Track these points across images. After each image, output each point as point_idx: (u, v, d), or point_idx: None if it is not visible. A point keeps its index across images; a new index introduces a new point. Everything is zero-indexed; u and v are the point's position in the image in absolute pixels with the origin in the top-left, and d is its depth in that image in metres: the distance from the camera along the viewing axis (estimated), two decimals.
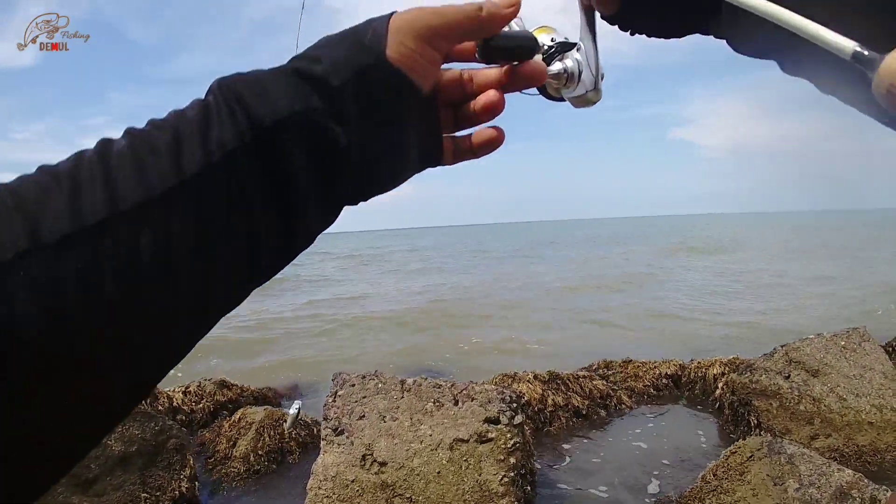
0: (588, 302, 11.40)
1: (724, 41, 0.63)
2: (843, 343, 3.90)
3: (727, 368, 4.37)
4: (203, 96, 0.48)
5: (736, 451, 2.92)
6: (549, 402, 4.04)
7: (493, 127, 0.61)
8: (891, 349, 5.11)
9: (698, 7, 0.63)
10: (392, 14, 0.53)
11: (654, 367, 4.72)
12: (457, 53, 0.59)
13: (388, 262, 28.59)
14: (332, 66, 0.49)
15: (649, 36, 0.70)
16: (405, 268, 23.95)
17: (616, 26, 0.69)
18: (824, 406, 3.70)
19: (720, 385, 4.21)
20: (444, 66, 0.58)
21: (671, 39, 0.69)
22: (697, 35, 0.67)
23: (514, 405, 2.98)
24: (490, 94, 0.59)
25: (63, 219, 0.38)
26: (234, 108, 0.46)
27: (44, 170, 0.42)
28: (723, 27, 0.61)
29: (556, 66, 0.64)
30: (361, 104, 0.50)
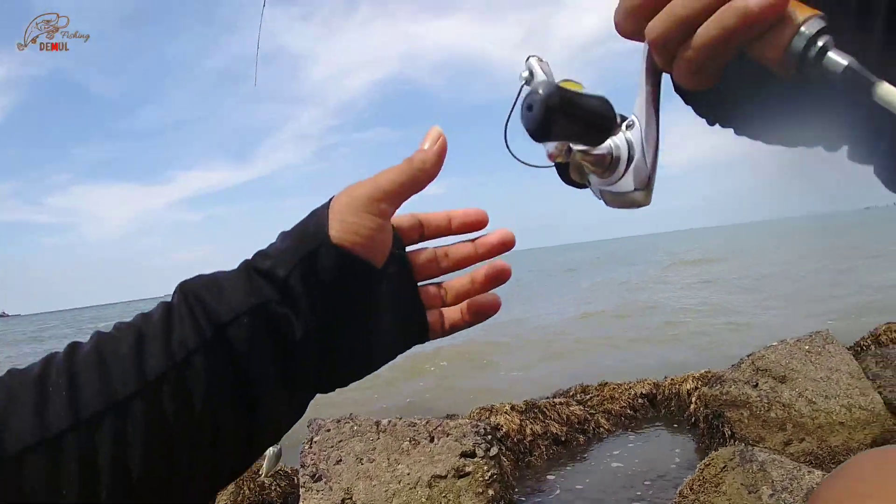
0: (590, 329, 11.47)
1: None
2: (807, 347, 4.00)
3: (699, 383, 4.43)
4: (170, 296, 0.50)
5: (710, 464, 2.97)
6: (528, 431, 4.06)
7: (491, 294, 0.60)
8: (858, 348, 5.24)
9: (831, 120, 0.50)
10: (331, 199, 0.54)
11: (630, 388, 4.77)
12: (430, 232, 0.60)
13: None
14: (279, 258, 0.51)
15: (745, 136, 0.56)
16: None
17: (694, 110, 0.57)
18: (794, 411, 3.78)
19: (693, 399, 4.27)
20: (419, 245, 0.60)
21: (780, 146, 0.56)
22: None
23: (490, 437, 3.01)
24: (497, 265, 0.59)
25: (25, 431, 0.38)
26: (195, 308, 0.47)
27: (13, 374, 0.43)
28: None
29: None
30: (312, 291, 0.51)
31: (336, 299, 0.52)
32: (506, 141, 0.58)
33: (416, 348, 0.61)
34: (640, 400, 4.66)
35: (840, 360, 4.03)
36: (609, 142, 0.49)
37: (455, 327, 0.60)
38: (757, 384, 3.88)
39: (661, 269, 25.21)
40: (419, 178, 0.54)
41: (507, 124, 0.57)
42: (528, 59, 0.52)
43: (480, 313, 0.60)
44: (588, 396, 4.75)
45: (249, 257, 0.53)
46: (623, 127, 0.49)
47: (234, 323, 0.47)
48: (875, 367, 4.57)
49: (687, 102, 0.56)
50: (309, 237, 0.52)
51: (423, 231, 0.60)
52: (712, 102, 0.54)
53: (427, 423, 3.07)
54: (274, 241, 0.54)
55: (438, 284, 0.61)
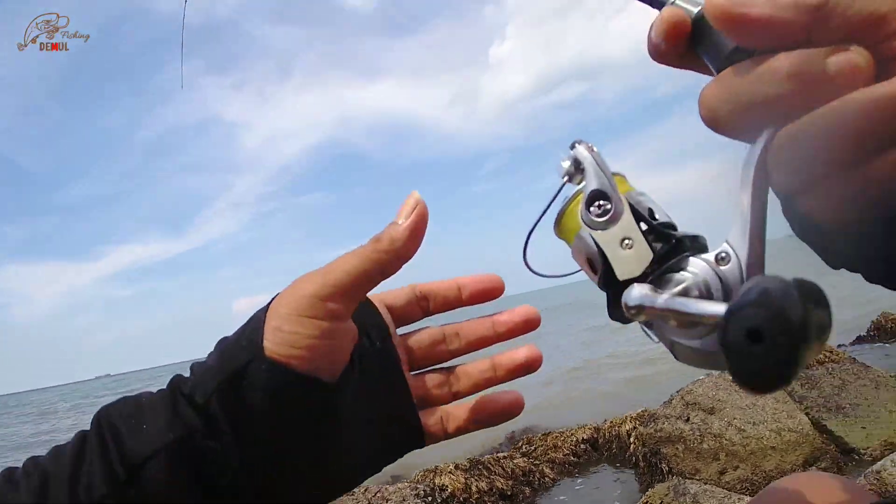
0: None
1: None
2: (731, 377, 4.17)
3: (637, 422, 4.54)
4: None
5: (647, 501, 3.05)
6: (474, 489, 4.05)
7: (512, 392, 0.50)
8: None
9: None
10: (274, 298, 0.46)
11: (572, 434, 4.83)
12: (436, 306, 0.52)
13: None
14: (200, 379, 0.44)
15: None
16: None
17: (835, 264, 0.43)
18: (726, 440, 3.91)
19: (632, 439, 4.36)
20: (422, 322, 0.51)
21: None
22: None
23: (430, 498, 3.01)
24: (527, 350, 0.50)
25: None
26: (108, 444, 0.41)
27: None
28: None
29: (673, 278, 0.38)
30: (239, 418, 0.42)
31: (274, 424, 0.43)
32: (525, 255, 0.46)
33: None
34: (582, 446, 4.72)
35: None
36: (692, 277, 0.37)
37: (461, 430, 0.51)
38: (688, 418, 4.00)
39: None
40: (386, 262, 0.44)
41: (529, 235, 0.46)
42: (573, 145, 0.41)
43: (497, 415, 0.50)
44: (532, 447, 4.79)
45: (182, 373, 0.47)
46: (713, 259, 0.37)
47: (150, 462, 0.40)
48: (801, 388, 4.78)
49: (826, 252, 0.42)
50: (238, 352, 0.43)
51: (427, 305, 0.52)
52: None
53: (366, 490, 3.05)
54: (213, 349, 0.47)
55: (449, 371, 0.52)
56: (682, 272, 0.37)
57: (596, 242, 0.39)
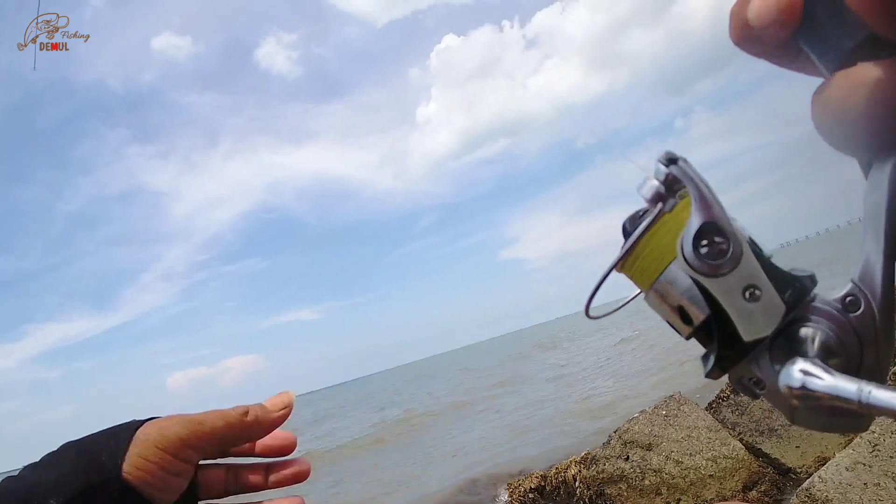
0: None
1: None
2: (664, 412, 4.28)
3: (581, 466, 4.58)
4: None
5: None
6: None
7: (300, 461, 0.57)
8: (718, 401, 5.62)
9: None
10: (143, 423, 0.50)
11: (519, 485, 4.83)
12: (240, 487, 0.56)
13: None
14: (56, 484, 0.46)
15: None
16: None
17: None
18: (666, 474, 3.99)
19: (577, 484, 4.40)
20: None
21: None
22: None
23: None
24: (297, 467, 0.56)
25: None
26: None
27: None
28: None
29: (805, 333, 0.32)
30: None
31: None
32: (588, 307, 0.39)
33: None
34: (530, 495, 4.72)
35: (696, 417, 4.34)
36: (823, 331, 0.31)
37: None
38: (628, 457, 4.08)
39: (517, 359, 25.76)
40: (248, 432, 0.51)
41: (598, 285, 0.37)
42: (669, 160, 0.33)
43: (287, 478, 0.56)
44: (478, 497, 4.77)
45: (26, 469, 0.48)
46: (841, 304, 0.32)
47: None
48: (732, 415, 4.94)
49: None
50: (97, 467, 0.46)
51: (232, 485, 0.57)
52: None
53: None
54: (59, 448, 0.49)
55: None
56: (808, 325, 0.31)
57: (705, 290, 0.31)
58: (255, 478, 0.55)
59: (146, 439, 0.47)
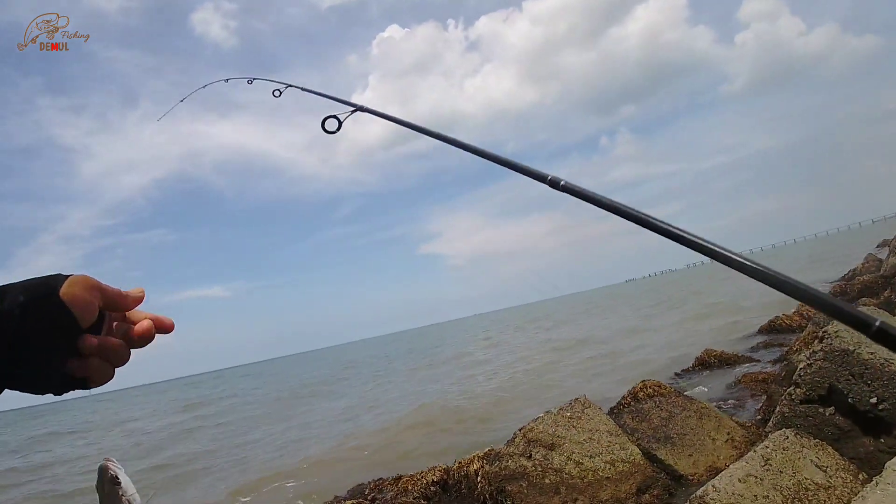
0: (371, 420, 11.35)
1: None
2: (568, 414, 4.39)
3: (484, 462, 4.63)
4: None
5: None
6: None
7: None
8: (621, 407, 5.81)
9: None
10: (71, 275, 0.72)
11: (422, 477, 4.84)
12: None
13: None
14: (22, 287, 0.68)
15: None
16: None
17: None
18: (566, 474, 4.08)
19: (479, 479, 4.44)
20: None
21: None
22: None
23: None
24: (145, 324, 0.77)
25: None
26: None
27: None
28: None
29: None
30: (28, 321, 0.66)
31: (40, 335, 0.67)
32: None
33: None
34: (432, 488, 4.74)
35: (599, 421, 4.47)
36: None
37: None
38: (531, 455, 4.15)
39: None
40: (123, 301, 0.75)
41: None
42: None
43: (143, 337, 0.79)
44: (382, 495, 4.74)
45: None
46: None
47: None
48: (632, 421, 5.11)
49: None
50: (44, 285, 0.69)
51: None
52: None
53: None
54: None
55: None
56: None
57: None
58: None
59: (77, 280, 0.70)
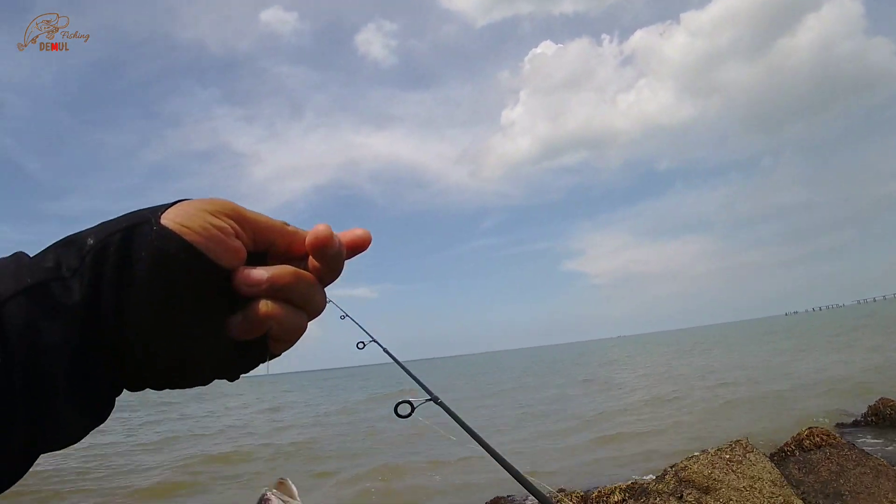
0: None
1: None
2: (727, 456, 4.00)
3: (626, 495, 4.35)
4: None
5: None
6: None
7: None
8: (783, 454, 5.27)
9: None
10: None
11: (558, 502, 4.63)
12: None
13: None
14: (94, 230, 0.45)
15: None
16: None
17: None
18: None
19: None
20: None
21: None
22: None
23: None
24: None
25: None
26: None
27: None
28: None
29: None
30: (119, 272, 0.43)
31: (159, 290, 0.43)
32: None
33: None
34: None
35: (761, 468, 4.04)
36: None
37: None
38: (682, 496, 3.82)
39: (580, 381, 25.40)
40: (287, 240, 0.48)
41: None
42: None
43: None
44: None
45: None
46: None
47: (13, 299, 0.40)
48: (798, 472, 4.61)
49: None
50: (136, 216, 0.45)
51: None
52: None
53: None
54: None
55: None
56: None
57: None
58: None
59: (196, 203, 0.45)
